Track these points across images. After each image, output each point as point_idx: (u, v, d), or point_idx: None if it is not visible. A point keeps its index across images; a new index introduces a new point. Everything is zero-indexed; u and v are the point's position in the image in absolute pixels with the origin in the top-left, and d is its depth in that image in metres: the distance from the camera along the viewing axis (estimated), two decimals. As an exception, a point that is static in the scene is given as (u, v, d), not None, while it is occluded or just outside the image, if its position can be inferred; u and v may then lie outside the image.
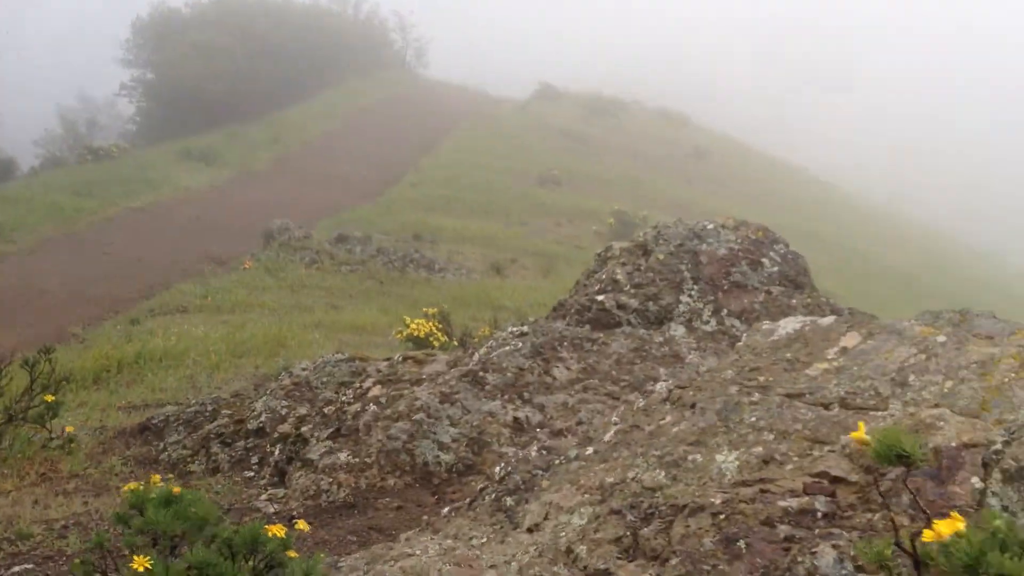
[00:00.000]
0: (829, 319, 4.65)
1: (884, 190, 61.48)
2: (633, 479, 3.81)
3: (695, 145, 48.70)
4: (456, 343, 10.43)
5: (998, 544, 2.18)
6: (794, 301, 6.87)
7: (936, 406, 3.62)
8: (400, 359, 6.59)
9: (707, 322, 6.69)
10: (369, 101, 50.53)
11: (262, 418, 6.24)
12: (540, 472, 4.25)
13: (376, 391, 5.95)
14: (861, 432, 2.48)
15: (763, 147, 59.39)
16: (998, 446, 3.29)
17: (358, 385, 6.22)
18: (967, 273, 38.31)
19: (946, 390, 3.71)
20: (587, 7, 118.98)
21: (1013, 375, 3.67)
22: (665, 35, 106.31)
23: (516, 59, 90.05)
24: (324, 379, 6.64)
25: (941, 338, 4.08)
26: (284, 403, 6.35)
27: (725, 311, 6.78)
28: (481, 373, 5.89)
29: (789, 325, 4.75)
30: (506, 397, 5.66)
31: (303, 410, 6.19)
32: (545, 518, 3.84)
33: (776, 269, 7.22)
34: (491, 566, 3.56)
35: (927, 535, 2.24)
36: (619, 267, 7.31)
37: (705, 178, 41.74)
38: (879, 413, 3.71)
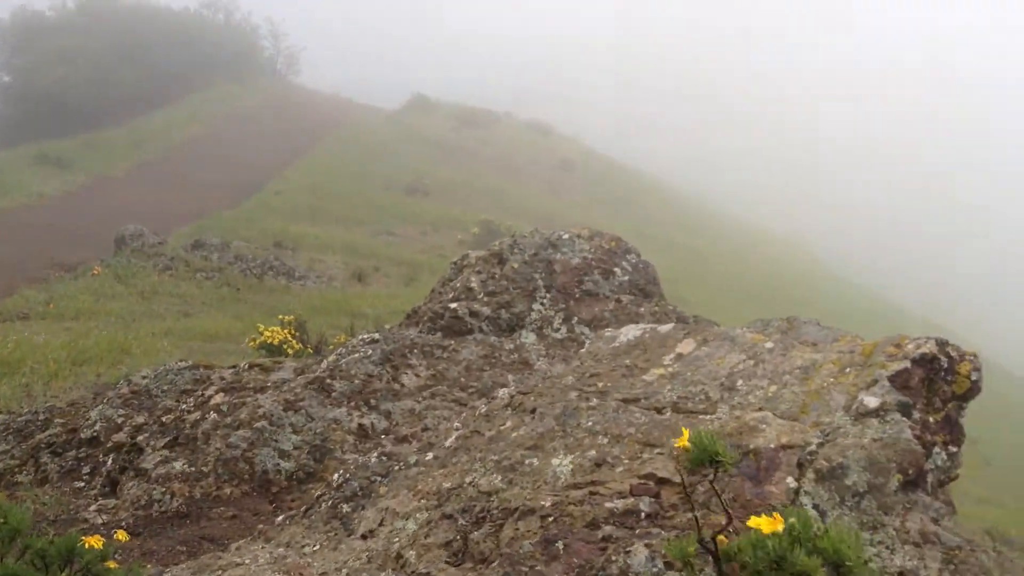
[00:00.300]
0: (667, 327, 4.75)
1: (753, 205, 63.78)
2: (470, 484, 3.80)
3: (563, 157, 49.46)
4: (311, 350, 10.26)
5: (794, 542, 2.25)
6: (643, 309, 7.01)
7: (760, 409, 3.74)
8: (246, 367, 6.43)
9: (558, 329, 6.76)
10: (237, 108, 49.52)
11: (96, 427, 5.98)
12: (379, 478, 4.20)
13: (218, 399, 5.79)
14: (684, 440, 2.53)
15: (628, 161, 60.68)
16: (813, 447, 3.42)
17: (200, 393, 6.04)
18: (821, 287, 39.99)
19: (770, 394, 3.84)
20: (464, 21, 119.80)
21: (832, 380, 3.82)
22: (541, 49, 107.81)
23: (391, 70, 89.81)
24: (165, 387, 6.42)
25: (769, 344, 4.22)
26: (121, 412, 6.10)
27: (576, 319, 6.87)
28: (328, 380, 5.80)
29: (630, 332, 4.85)
30: (352, 404, 5.59)
31: (140, 419, 5.96)
32: (380, 524, 3.80)
33: (627, 278, 7.35)
34: (321, 573, 3.50)
35: (756, 524, 2.31)
36: (474, 275, 7.33)
37: (572, 189, 42.45)
38: (708, 416, 3.81)
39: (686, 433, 2.49)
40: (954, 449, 3.73)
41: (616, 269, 7.39)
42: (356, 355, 6.13)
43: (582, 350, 4.86)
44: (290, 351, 10.09)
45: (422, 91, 63.10)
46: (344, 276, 18.86)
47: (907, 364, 3.74)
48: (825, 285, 41.41)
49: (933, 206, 77.65)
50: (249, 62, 65.29)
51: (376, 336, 6.45)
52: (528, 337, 6.67)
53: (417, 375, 6.03)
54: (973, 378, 3.82)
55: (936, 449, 3.63)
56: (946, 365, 3.81)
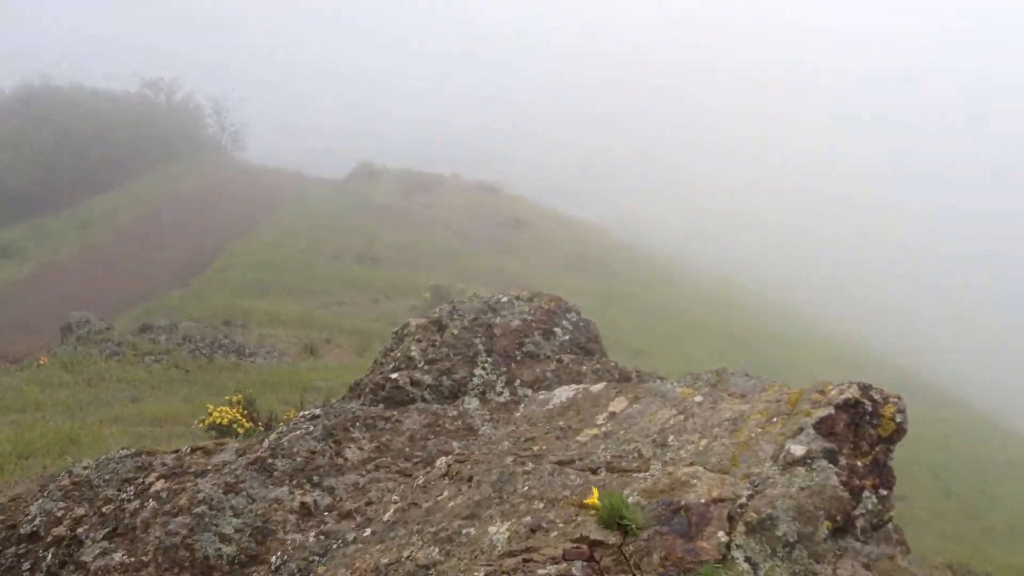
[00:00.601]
0: (599, 386, 4.79)
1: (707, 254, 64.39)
2: (408, 558, 3.78)
3: (512, 215, 49.72)
4: (262, 428, 10.16)
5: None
6: (584, 367, 7.04)
7: (691, 464, 3.77)
8: (188, 451, 6.35)
9: (500, 393, 6.76)
10: (182, 187, 49.43)
11: (36, 521, 5.85)
12: (317, 558, 4.17)
13: (159, 485, 5.70)
14: (595, 498, 2.55)
15: (579, 215, 61.12)
16: (743, 500, 3.45)
17: (141, 481, 5.94)
18: (781, 334, 40.34)
19: (701, 448, 3.87)
20: (404, 86, 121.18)
21: (760, 430, 3.87)
22: (484, 110, 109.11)
23: (336, 140, 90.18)
24: (107, 477, 6.31)
25: (698, 398, 4.27)
26: (61, 504, 5.98)
27: (518, 381, 6.88)
28: (270, 460, 5.74)
29: (563, 394, 4.88)
30: (295, 482, 5.53)
31: (81, 511, 5.85)
32: (318, 606, 3.76)
33: (568, 338, 7.39)
34: (258, 662, 3.44)
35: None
36: (414, 344, 7.33)
37: (522, 247, 42.62)
38: (641, 474, 3.84)
39: (596, 492, 2.51)
40: (884, 492, 3.78)
41: (556, 329, 7.43)
42: (298, 432, 6.08)
43: (516, 414, 4.88)
44: (240, 430, 10.00)
45: (367, 159, 63.39)
46: (296, 350, 18.73)
47: (831, 410, 3.80)
48: (789, 332, 41.76)
49: (886, 245, 79.16)
50: (193, 140, 65.51)
51: (317, 412, 6.41)
52: (471, 403, 6.66)
53: (360, 448, 5.99)
54: (898, 420, 3.89)
55: (866, 493, 3.68)
56: (870, 409, 3.88)
